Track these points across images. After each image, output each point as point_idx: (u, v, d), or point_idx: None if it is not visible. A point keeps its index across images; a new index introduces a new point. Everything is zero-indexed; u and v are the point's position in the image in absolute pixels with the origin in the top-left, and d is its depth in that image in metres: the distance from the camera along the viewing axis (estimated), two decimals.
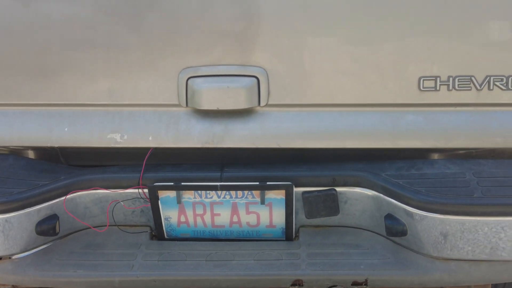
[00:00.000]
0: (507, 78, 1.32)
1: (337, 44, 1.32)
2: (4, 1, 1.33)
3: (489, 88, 1.33)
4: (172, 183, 1.36)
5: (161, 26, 1.33)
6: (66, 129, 1.42)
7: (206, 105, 1.35)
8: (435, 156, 1.49)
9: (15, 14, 1.34)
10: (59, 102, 1.42)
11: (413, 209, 1.25)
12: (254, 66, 1.34)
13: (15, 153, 1.54)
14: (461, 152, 1.46)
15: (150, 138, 1.40)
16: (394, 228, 1.31)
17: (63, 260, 1.39)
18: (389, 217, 1.32)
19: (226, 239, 1.46)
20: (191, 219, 1.43)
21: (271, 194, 1.37)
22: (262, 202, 1.37)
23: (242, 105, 1.34)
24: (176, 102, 1.38)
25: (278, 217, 1.41)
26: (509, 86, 1.33)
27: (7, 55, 1.38)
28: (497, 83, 1.32)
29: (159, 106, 1.40)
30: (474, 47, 1.31)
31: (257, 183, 1.35)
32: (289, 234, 1.43)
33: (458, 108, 1.36)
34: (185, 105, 1.37)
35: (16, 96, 1.42)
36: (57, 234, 1.39)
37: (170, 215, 1.43)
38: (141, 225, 1.49)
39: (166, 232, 1.46)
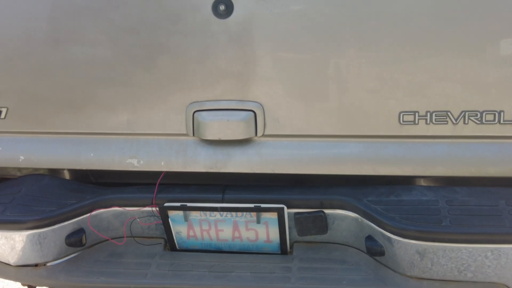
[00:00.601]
0: (481, 113, 1.42)
1: (323, 83, 1.45)
2: (38, 44, 1.53)
3: (464, 122, 1.43)
4: (179, 204, 1.53)
5: (170, 66, 1.50)
6: (92, 154, 1.61)
7: (209, 136, 1.51)
8: (421, 181, 1.59)
9: (48, 55, 1.53)
10: (86, 131, 1.61)
11: (388, 233, 1.38)
12: (251, 101, 1.49)
13: (52, 173, 1.74)
14: (442, 177, 1.55)
15: (162, 163, 1.58)
16: (373, 249, 1.44)
17: (89, 267, 1.59)
18: (369, 238, 1.45)
19: (229, 251, 1.63)
20: (198, 234, 1.61)
21: (266, 215, 1.52)
22: (258, 221, 1.53)
23: (240, 136, 1.50)
24: (185, 132, 1.55)
25: (274, 234, 1.56)
26: (483, 121, 1.42)
27: (43, 91, 1.57)
28: (472, 118, 1.42)
29: (170, 135, 1.57)
30: (451, 85, 1.41)
31: (253, 205, 1.50)
32: (283, 249, 1.59)
33: (436, 140, 1.47)
34: (192, 134, 1.54)
35: (51, 125, 1.62)
36: (84, 245, 1.59)
37: (180, 230, 1.60)
38: (157, 237, 1.67)
39: (177, 244, 1.64)
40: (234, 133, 1.50)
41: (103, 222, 1.62)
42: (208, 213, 1.55)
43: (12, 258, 1.56)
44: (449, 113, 1.43)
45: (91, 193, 1.62)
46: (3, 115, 1.63)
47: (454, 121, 1.44)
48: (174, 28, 1.47)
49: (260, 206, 1.50)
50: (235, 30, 1.44)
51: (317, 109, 1.48)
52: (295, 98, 1.48)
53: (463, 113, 1.43)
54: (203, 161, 1.55)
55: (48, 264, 1.60)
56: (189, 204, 1.53)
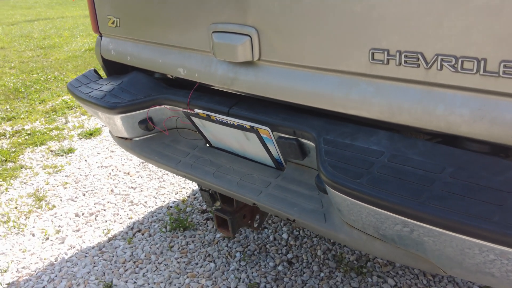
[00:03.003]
0: (458, 59, 1.10)
1: (308, 13, 1.34)
2: None
3: (437, 68, 1.14)
4: (195, 111, 1.71)
5: None
6: (160, 60, 1.90)
7: (218, 56, 1.61)
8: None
9: None
10: (158, 42, 1.90)
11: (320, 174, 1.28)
12: (249, 26, 1.49)
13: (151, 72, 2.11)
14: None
15: (196, 75, 1.75)
16: (318, 186, 1.36)
17: (154, 147, 1.97)
18: (318, 176, 1.36)
19: (243, 156, 1.75)
20: (217, 139, 1.77)
21: (250, 134, 1.56)
22: (247, 138, 1.59)
23: (239, 58, 1.54)
24: (209, 50, 1.66)
25: (262, 151, 1.60)
26: (459, 69, 1.10)
27: (134, 9, 1.90)
28: (446, 64, 1.12)
29: (203, 52, 1.71)
30: (425, 22, 1.12)
31: (236, 123, 1.56)
32: (276, 165, 1.62)
33: (407, 84, 1.22)
34: (212, 53, 1.64)
35: (141, 35, 1.96)
36: (151, 130, 1.96)
37: (206, 133, 1.79)
38: None
39: (211, 142, 1.84)
40: (234, 55, 1.54)
41: (164, 115, 1.94)
42: (221, 121, 1.69)
43: (112, 130, 2.07)
44: (420, 55, 1.15)
45: (158, 92, 1.93)
46: (117, 24, 2.04)
47: (425, 65, 1.15)
48: None
49: (242, 125, 1.55)
50: None
51: (302, 39, 1.39)
52: (285, 26, 1.41)
53: (436, 56, 1.13)
54: (219, 78, 1.66)
55: (133, 139, 2.04)
56: (200, 111, 1.68)
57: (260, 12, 1.45)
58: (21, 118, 4.69)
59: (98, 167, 3.54)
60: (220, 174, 1.70)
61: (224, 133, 1.70)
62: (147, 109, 1.92)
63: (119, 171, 3.47)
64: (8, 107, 5.08)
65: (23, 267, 2.37)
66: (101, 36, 2.25)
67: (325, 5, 1.29)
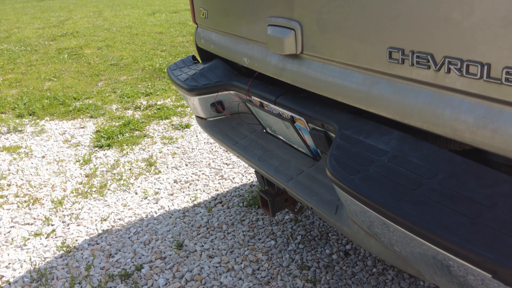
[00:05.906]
0: (463, 62, 1.01)
1: (337, 12, 1.32)
2: None
3: (445, 71, 1.06)
4: (245, 98, 1.77)
5: None
6: (232, 50, 2.00)
7: (270, 48, 1.65)
8: None
9: None
10: (230, 32, 1.99)
11: None
12: (294, 20, 1.51)
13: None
14: None
15: (256, 65, 1.81)
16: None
17: (221, 127, 2.10)
18: None
19: (288, 142, 1.77)
20: (269, 126, 1.81)
21: (288, 122, 1.58)
22: (286, 127, 1.61)
23: (285, 51, 1.57)
24: (266, 42, 1.71)
25: (298, 139, 1.61)
26: (464, 73, 1.01)
27: (215, 5, 2.03)
28: (453, 67, 1.03)
29: (262, 43, 1.77)
30: (435, 23, 1.05)
31: (277, 112, 1.59)
32: (312, 154, 1.62)
33: (420, 85, 1.14)
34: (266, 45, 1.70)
35: (223, 27, 2.08)
36: (219, 113, 2.08)
37: (261, 119, 1.85)
38: None
39: (265, 128, 1.90)
40: (281, 48, 1.57)
41: (229, 100, 2.04)
42: (266, 109, 1.73)
43: (192, 110, 2.24)
44: (430, 56, 1.07)
45: (227, 78, 2.03)
46: (206, 15, 2.20)
47: (434, 67, 1.08)
48: None
49: (280, 114, 1.57)
50: None
51: (335, 35, 1.37)
52: (321, 21, 1.41)
53: (444, 59, 1.05)
54: (272, 68, 1.71)
55: (208, 119, 2.19)
56: (253, 97, 1.74)
57: (303, 6, 1.46)
58: (157, 95, 5.22)
59: (204, 143, 3.81)
60: (265, 158, 1.76)
61: (272, 121, 1.74)
62: (216, 93, 2.04)
63: (220, 148, 3.70)
64: (149, 84, 5.68)
65: (119, 219, 2.71)
66: (197, 26, 2.43)
67: (352, 3, 1.26)
